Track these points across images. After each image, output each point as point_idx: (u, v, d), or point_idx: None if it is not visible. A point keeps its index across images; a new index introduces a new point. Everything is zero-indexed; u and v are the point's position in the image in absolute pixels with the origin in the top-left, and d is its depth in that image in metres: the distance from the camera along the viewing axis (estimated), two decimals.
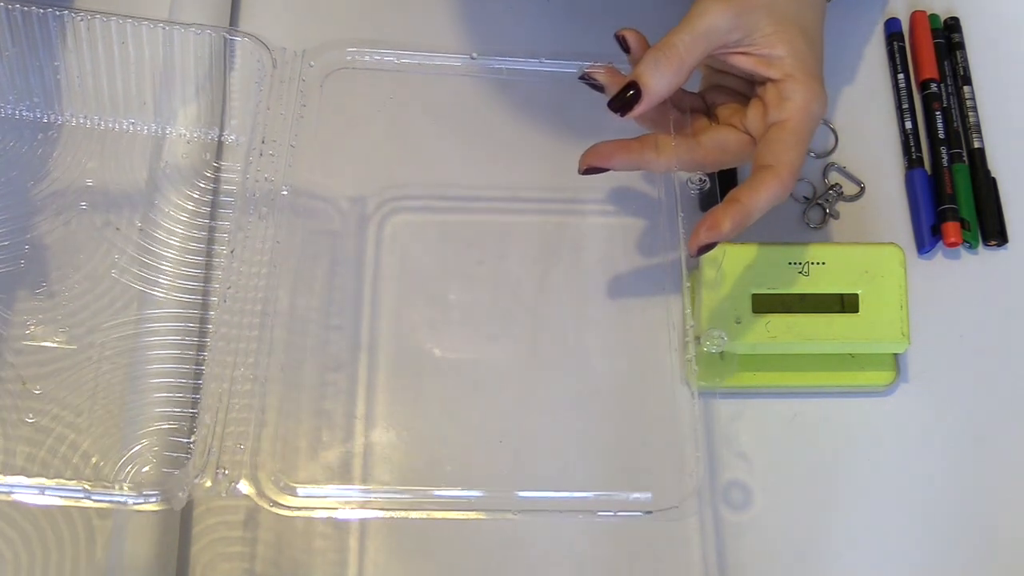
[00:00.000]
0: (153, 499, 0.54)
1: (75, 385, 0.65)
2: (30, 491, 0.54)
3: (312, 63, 0.66)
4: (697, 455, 0.57)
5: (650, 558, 0.64)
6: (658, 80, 0.60)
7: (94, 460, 0.63)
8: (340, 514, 0.60)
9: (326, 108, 0.66)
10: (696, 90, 0.67)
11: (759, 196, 0.59)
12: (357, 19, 0.76)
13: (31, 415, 0.64)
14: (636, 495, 0.56)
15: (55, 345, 0.66)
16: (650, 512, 0.56)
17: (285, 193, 0.63)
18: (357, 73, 0.67)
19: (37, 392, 0.64)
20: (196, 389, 0.63)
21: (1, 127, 0.70)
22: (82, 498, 0.54)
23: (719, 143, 0.64)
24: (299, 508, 0.56)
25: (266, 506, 0.56)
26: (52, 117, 0.71)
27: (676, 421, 0.61)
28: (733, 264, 0.66)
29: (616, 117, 0.61)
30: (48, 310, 0.66)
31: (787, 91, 0.61)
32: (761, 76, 0.62)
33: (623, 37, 0.64)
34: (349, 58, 0.66)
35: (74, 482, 0.54)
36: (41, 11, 0.66)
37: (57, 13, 0.66)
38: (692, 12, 0.61)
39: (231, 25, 0.74)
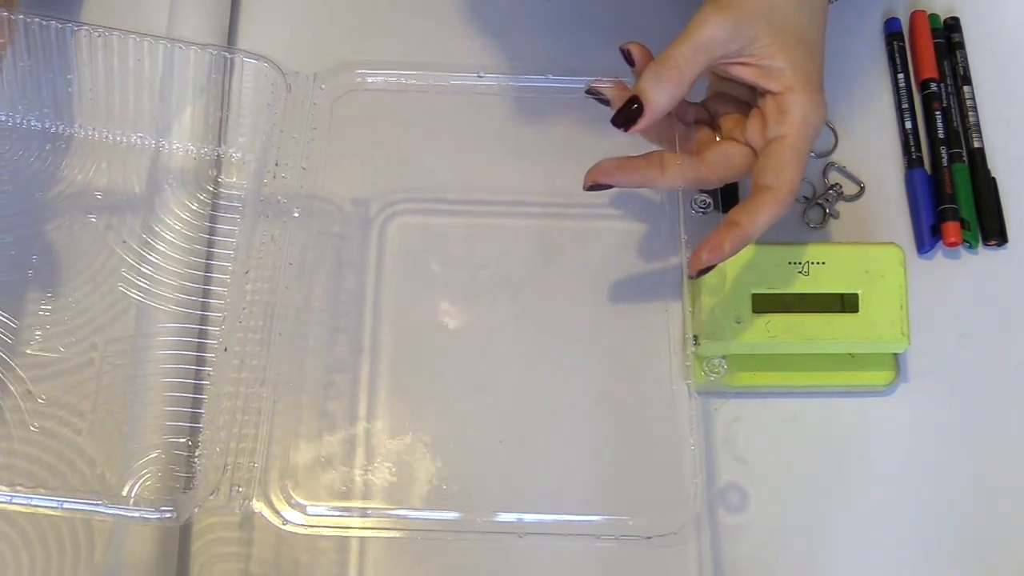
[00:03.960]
0: (168, 515, 0.55)
1: (80, 394, 0.65)
2: (49, 502, 0.55)
3: (323, 86, 0.67)
4: (696, 479, 0.57)
5: (645, 557, 0.65)
6: (659, 94, 0.61)
7: (99, 470, 0.64)
8: (350, 533, 0.61)
9: (336, 129, 0.67)
10: (702, 98, 0.67)
11: (759, 218, 0.60)
12: (355, 34, 0.77)
13: (36, 423, 0.65)
14: (636, 520, 0.57)
15: (61, 354, 0.66)
16: (650, 538, 0.57)
17: (296, 215, 0.64)
18: (367, 94, 0.68)
19: (42, 400, 0.65)
20: (198, 403, 0.64)
21: (10, 136, 0.71)
22: (99, 512, 0.55)
23: (723, 159, 0.64)
24: (310, 526, 0.58)
25: (279, 524, 0.57)
26: (61, 128, 0.71)
27: (676, 432, 0.61)
28: (733, 264, 0.66)
29: (621, 132, 0.62)
30: (54, 320, 0.67)
31: (786, 104, 0.61)
32: (761, 87, 0.62)
33: (628, 51, 0.64)
34: (359, 80, 0.68)
35: (94, 499, 0.55)
36: (60, 25, 0.66)
37: (75, 28, 0.66)
38: (691, 23, 0.61)
39: (229, 42, 0.75)
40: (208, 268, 0.69)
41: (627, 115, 0.62)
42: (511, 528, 0.58)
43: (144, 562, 0.61)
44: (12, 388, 0.65)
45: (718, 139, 0.65)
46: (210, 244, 0.69)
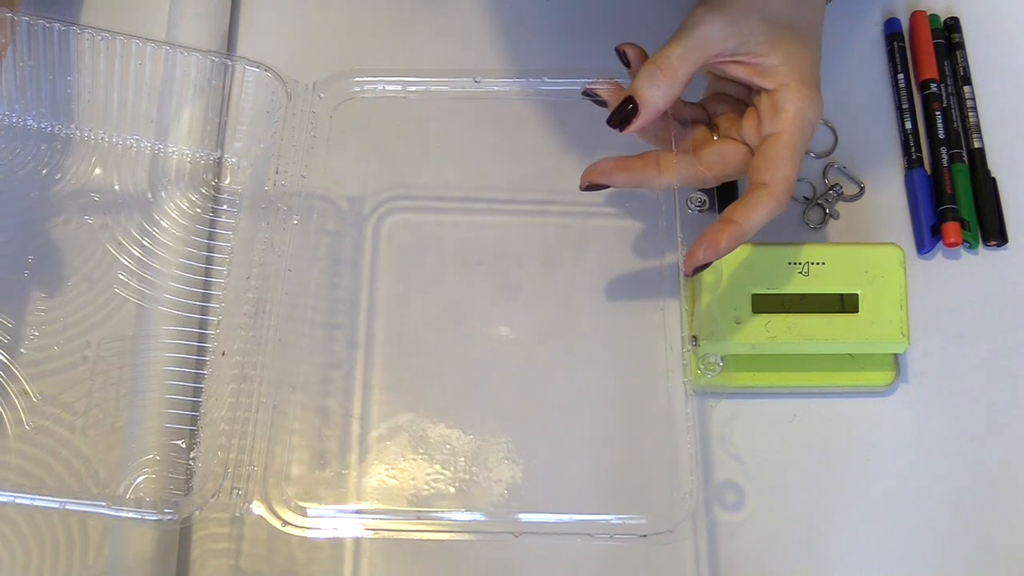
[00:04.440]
0: (170, 516, 0.55)
1: (76, 393, 0.66)
2: (51, 503, 0.55)
3: (322, 95, 0.68)
4: (692, 477, 0.57)
5: (641, 555, 0.64)
6: (654, 93, 0.61)
7: (94, 468, 0.64)
8: (349, 534, 0.61)
9: (335, 137, 0.68)
10: (700, 98, 0.67)
11: (754, 216, 0.60)
12: (353, 42, 0.77)
13: (31, 421, 0.65)
14: (632, 519, 0.57)
15: (56, 353, 0.67)
16: (645, 536, 0.57)
17: (296, 222, 0.65)
18: (365, 102, 0.68)
19: (37, 399, 0.65)
20: (195, 406, 0.65)
21: (6, 135, 0.71)
22: (102, 513, 0.55)
23: (720, 157, 0.64)
24: (309, 528, 0.58)
25: (278, 526, 0.57)
26: (58, 129, 0.71)
27: (672, 430, 0.61)
28: (733, 264, 0.66)
29: (617, 132, 0.62)
30: (50, 319, 0.67)
31: (781, 101, 0.61)
32: (756, 85, 0.62)
33: (623, 52, 0.64)
34: (357, 88, 0.68)
35: (97, 500, 0.55)
36: (63, 27, 0.66)
37: (78, 30, 0.67)
38: (685, 23, 0.61)
39: (229, 49, 0.75)
40: (205, 272, 0.69)
41: (622, 115, 0.62)
42: (507, 527, 0.58)
43: (142, 560, 0.61)
44: (8, 386, 0.65)
45: (715, 138, 0.65)
46: (207, 248, 0.69)
